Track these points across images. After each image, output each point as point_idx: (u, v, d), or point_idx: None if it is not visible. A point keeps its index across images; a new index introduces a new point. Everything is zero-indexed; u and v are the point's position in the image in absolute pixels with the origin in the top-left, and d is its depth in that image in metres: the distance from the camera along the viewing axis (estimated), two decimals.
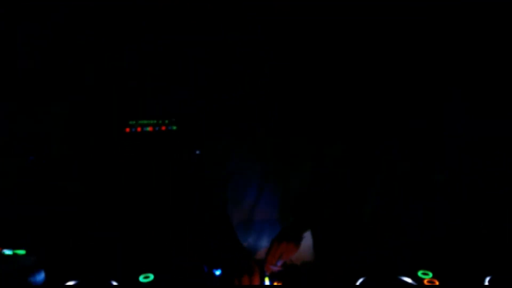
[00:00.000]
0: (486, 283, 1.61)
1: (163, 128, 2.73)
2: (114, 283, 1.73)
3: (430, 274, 1.71)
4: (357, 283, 1.68)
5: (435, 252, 1.82)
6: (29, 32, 2.72)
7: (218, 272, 1.83)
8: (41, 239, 2.10)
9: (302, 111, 2.16)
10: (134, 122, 2.74)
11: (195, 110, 2.77)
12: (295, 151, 1.99)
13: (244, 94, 2.20)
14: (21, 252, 1.78)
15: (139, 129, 2.73)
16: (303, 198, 2.00)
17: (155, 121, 2.73)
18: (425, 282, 1.67)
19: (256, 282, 1.69)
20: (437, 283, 1.65)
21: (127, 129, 2.73)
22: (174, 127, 2.73)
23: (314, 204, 2.00)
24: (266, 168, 1.98)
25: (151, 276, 1.79)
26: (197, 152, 2.53)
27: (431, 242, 2.01)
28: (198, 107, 2.76)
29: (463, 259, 1.77)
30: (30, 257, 1.77)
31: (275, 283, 1.73)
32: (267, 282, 1.74)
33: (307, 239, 2.01)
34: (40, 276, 1.75)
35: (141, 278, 1.78)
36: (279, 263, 1.78)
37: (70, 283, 1.73)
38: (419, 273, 1.72)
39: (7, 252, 1.76)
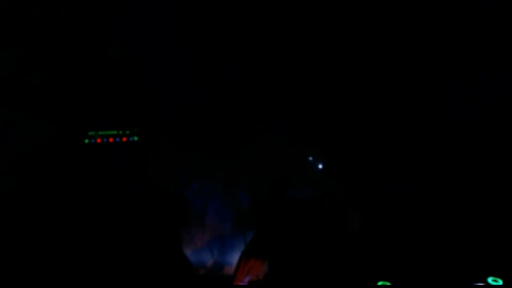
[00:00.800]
0: None
1: (124, 139, 2.66)
2: None
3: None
4: None
5: (396, 263, 1.90)
6: None
7: None
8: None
9: (263, 119, 2.18)
10: (93, 133, 2.65)
11: (157, 121, 2.72)
12: (251, 161, 2.00)
13: (205, 105, 2.19)
14: None
15: (99, 140, 2.65)
16: (262, 209, 2.02)
17: (115, 132, 2.66)
18: None
19: (254, 270, 1.73)
20: None
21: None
22: (136, 138, 2.67)
23: (273, 215, 2.02)
24: (221, 180, 1.98)
25: None
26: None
27: (391, 253, 2.09)
28: (160, 118, 2.71)
29: (422, 270, 1.86)
30: None
31: None
32: None
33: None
34: None
35: None
36: (247, 279, 1.81)
37: None
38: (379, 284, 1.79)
39: None
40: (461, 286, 1.70)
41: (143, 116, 2.70)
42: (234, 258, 1.98)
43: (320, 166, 2.48)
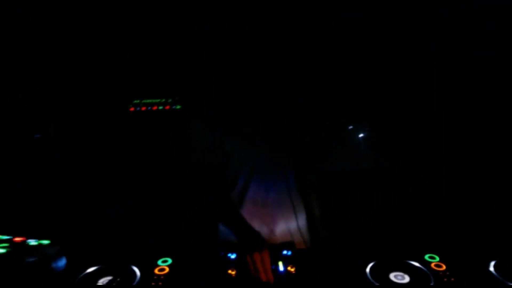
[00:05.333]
0: (491, 268, 1.71)
1: (167, 107, 2.73)
2: (134, 268, 1.82)
3: (437, 258, 1.82)
4: (368, 268, 1.78)
5: (443, 236, 1.92)
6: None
7: (233, 256, 1.92)
8: (63, 227, 2.16)
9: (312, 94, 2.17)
10: (138, 101, 2.73)
11: (200, 89, 2.75)
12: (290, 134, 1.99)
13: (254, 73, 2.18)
14: (46, 242, 1.84)
15: (143, 108, 2.73)
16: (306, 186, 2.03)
17: (158, 100, 2.72)
18: (432, 265, 1.78)
19: (266, 258, 1.77)
20: (444, 267, 1.76)
21: (132, 108, 2.72)
22: (178, 106, 2.73)
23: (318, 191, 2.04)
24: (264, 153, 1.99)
25: (169, 260, 1.88)
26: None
27: (438, 226, 2.10)
28: (203, 86, 2.74)
29: (469, 243, 1.86)
30: (55, 246, 1.84)
31: (289, 268, 1.82)
32: (281, 267, 1.82)
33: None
34: (62, 262, 1.83)
35: (160, 262, 1.87)
36: None
37: (92, 268, 1.83)
38: (426, 257, 1.82)
39: (33, 242, 1.82)
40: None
41: (185, 84, 2.74)
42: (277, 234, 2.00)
43: (361, 135, 2.45)
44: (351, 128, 2.46)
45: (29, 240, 1.78)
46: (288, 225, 2.15)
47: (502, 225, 2.07)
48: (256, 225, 2.09)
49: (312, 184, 2.04)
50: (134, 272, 1.79)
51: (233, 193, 2.16)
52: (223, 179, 2.18)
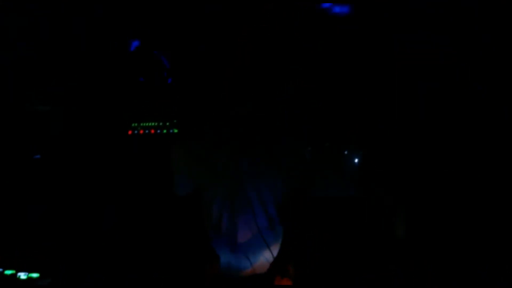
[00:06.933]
0: None
1: (165, 130, 2.77)
2: None
3: None
4: None
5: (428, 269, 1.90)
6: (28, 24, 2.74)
7: None
8: (54, 259, 2.21)
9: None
10: (136, 124, 2.78)
11: (196, 113, 2.78)
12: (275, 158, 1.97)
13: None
14: (36, 275, 1.89)
15: (141, 131, 2.78)
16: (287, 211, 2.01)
17: (156, 124, 2.76)
18: None
19: None
20: None
21: (130, 132, 2.77)
22: (176, 130, 2.77)
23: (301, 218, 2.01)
24: (242, 179, 1.96)
25: None
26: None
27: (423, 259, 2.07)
28: (199, 110, 2.77)
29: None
30: (45, 279, 1.88)
31: None
32: None
33: None
34: None
35: None
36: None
37: None
38: None
39: (23, 276, 1.86)
40: None
41: (182, 108, 2.78)
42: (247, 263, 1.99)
43: (357, 161, 2.44)
44: (339, 154, 2.44)
45: (19, 274, 1.83)
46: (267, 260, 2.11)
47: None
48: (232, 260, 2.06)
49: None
50: None
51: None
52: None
